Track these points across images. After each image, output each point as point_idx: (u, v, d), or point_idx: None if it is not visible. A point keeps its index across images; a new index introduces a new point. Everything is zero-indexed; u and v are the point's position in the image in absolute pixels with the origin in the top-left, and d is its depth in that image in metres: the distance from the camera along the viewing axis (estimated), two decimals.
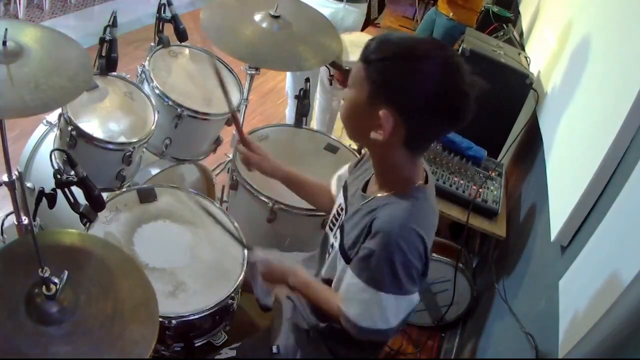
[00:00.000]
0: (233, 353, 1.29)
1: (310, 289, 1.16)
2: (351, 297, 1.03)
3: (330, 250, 1.18)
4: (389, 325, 1.01)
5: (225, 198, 2.06)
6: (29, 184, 1.76)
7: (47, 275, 0.93)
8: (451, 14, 3.24)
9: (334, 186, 1.34)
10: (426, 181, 1.07)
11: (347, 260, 1.07)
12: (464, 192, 1.92)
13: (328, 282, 1.18)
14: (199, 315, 1.29)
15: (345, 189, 1.22)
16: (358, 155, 1.98)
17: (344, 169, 1.33)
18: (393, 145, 0.98)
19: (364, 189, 1.13)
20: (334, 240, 1.16)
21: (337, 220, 1.21)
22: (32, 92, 1.13)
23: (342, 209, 1.19)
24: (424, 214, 1.03)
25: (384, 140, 0.96)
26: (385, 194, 1.05)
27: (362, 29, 2.74)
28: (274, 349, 1.24)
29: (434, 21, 3.41)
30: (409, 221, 0.98)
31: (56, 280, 0.94)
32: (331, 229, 1.22)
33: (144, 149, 1.70)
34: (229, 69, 1.96)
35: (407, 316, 1.06)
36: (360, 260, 1.00)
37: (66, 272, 0.95)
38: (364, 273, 1.00)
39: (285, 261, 1.34)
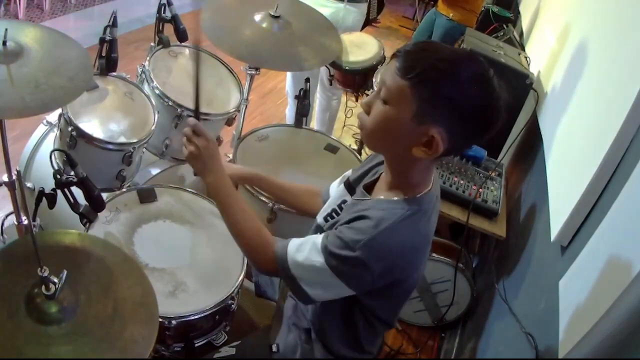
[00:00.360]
0: (232, 351, 1.29)
1: (232, 198, 1.10)
2: (305, 245, 1.01)
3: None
4: (309, 289, 1.01)
5: None
6: (29, 184, 1.76)
7: (46, 275, 0.93)
8: (451, 14, 3.25)
9: (333, 189, 1.32)
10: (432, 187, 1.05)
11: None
12: (464, 192, 1.92)
13: None
14: (199, 315, 1.29)
15: (349, 185, 1.20)
16: (358, 155, 1.98)
17: (347, 173, 1.31)
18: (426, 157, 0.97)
19: (367, 188, 1.12)
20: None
21: (337, 215, 1.19)
22: (32, 92, 1.14)
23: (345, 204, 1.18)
24: (413, 228, 1.00)
25: (431, 157, 0.95)
26: (384, 197, 1.04)
27: (361, 29, 2.74)
28: (274, 348, 1.24)
29: (434, 21, 3.42)
30: (391, 233, 0.96)
31: (55, 280, 0.94)
32: (326, 220, 1.20)
33: (144, 149, 1.70)
34: (229, 69, 1.96)
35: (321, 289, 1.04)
36: (335, 236, 0.98)
37: (65, 272, 0.95)
38: (329, 244, 0.97)
39: None
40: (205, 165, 1.12)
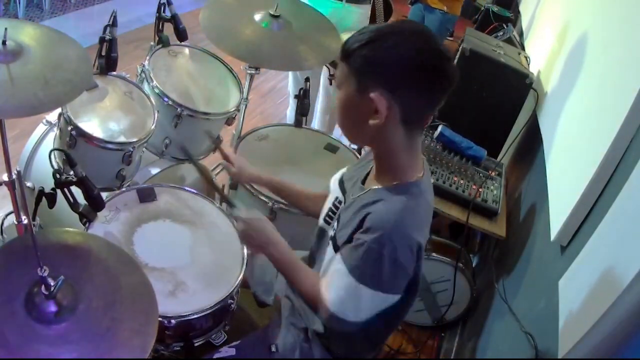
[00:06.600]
0: (232, 351, 1.29)
1: (290, 265, 1.17)
2: (333, 281, 1.05)
3: (329, 242, 1.18)
4: (358, 318, 1.03)
5: None
6: (28, 184, 1.76)
7: (45, 275, 0.93)
8: (445, 8, 3.28)
9: (331, 186, 1.33)
10: (423, 174, 1.08)
11: (336, 249, 1.08)
12: (463, 191, 1.92)
13: None
14: (199, 315, 1.29)
15: (341, 182, 1.22)
16: (358, 155, 1.98)
17: (343, 170, 1.32)
18: (392, 126, 1.00)
19: (363, 181, 1.14)
20: (331, 231, 1.16)
21: (334, 213, 1.21)
22: (43, 88, 1.13)
23: (339, 202, 1.20)
24: (417, 210, 1.04)
25: (383, 121, 0.98)
26: (381, 186, 1.06)
27: None
28: (273, 348, 1.24)
29: (423, 17, 3.42)
30: (403, 220, 0.99)
31: (52, 283, 0.94)
32: (328, 223, 1.22)
33: (144, 149, 1.70)
34: (228, 69, 1.96)
35: (381, 315, 1.05)
36: (350, 249, 1.02)
37: (62, 278, 0.94)
38: (350, 261, 1.01)
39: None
40: (258, 245, 1.21)
